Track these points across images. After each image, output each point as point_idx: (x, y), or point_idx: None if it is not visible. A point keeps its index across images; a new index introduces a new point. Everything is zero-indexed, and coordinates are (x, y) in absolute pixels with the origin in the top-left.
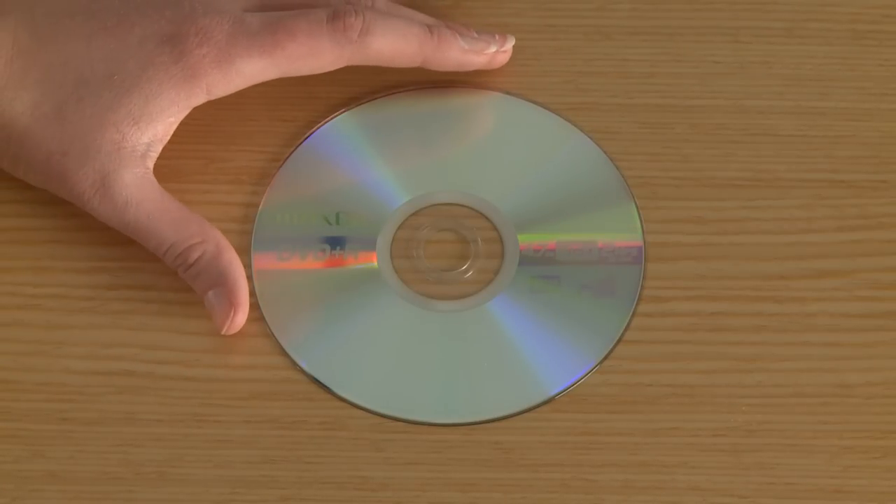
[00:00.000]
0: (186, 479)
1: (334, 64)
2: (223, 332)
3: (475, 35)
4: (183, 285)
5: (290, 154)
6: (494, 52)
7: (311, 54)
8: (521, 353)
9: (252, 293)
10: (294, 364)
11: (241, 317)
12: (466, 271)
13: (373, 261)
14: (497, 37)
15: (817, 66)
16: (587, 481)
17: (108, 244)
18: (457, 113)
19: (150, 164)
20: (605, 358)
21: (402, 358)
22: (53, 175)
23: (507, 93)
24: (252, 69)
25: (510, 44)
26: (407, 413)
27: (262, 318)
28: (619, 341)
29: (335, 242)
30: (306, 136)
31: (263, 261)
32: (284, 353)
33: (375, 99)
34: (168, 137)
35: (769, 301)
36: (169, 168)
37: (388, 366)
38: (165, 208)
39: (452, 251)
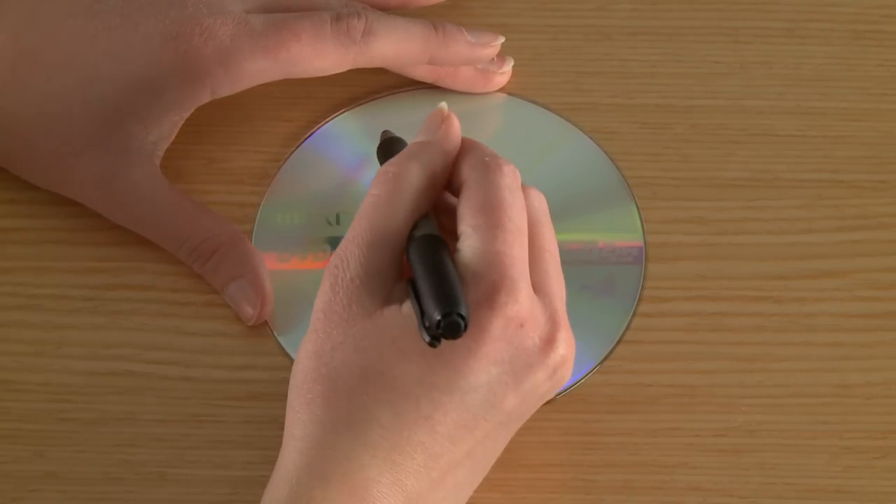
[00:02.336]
0: (186, 479)
1: (339, 66)
2: (250, 324)
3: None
4: (183, 285)
5: (290, 154)
6: (499, 73)
7: (315, 55)
8: None
9: None
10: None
11: (268, 306)
12: None
13: None
14: (496, 58)
15: (817, 66)
16: (587, 481)
17: (108, 244)
18: (457, 113)
19: (157, 161)
20: (605, 358)
21: None
22: (62, 176)
23: (508, 93)
24: (256, 69)
25: (509, 66)
26: None
27: None
28: (619, 341)
29: (336, 243)
30: (306, 136)
31: (264, 261)
32: (284, 353)
33: (375, 99)
34: (173, 136)
35: (769, 301)
36: (169, 168)
37: None
38: (177, 204)
39: None
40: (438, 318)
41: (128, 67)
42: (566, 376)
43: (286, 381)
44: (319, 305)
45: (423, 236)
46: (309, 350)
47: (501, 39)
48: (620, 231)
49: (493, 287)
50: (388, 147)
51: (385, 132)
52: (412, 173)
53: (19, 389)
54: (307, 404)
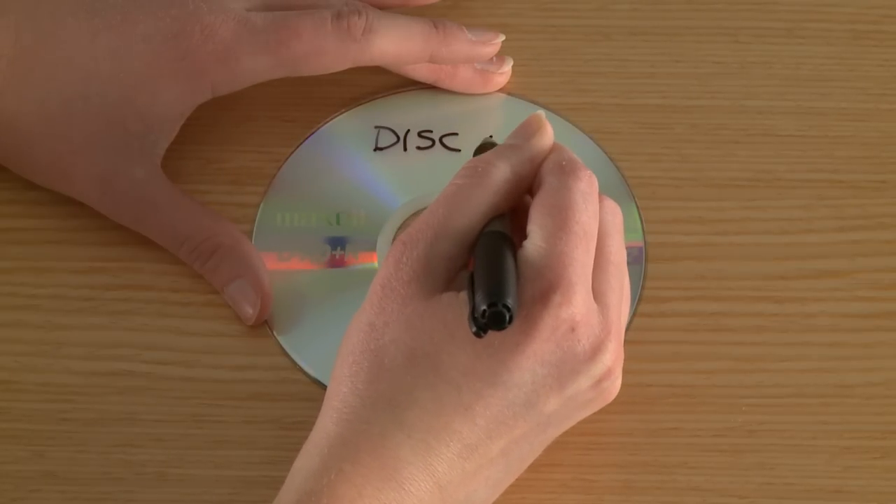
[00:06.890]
0: (186, 479)
1: (339, 64)
2: (250, 323)
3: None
4: (183, 285)
5: (291, 154)
6: (498, 73)
7: (316, 53)
8: None
9: None
10: (294, 364)
11: (268, 306)
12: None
13: (373, 261)
14: (495, 58)
15: (817, 66)
16: (587, 481)
17: (108, 244)
18: (457, 114)
19: (158, 161)
20: None
21: None
22: (62, 175)
23: (508, 93)
24: (257, 67)
25: (508, 66)
26: None
27: None
28: None
29: (336, 243)
30: (306, 136)
31: (264, 261)
32: (284, 353)
33: (375, 99)
34: (174, 134)
35: (769, 301)
36: (169, 168)
37: None
38: (177, 203)
39: None
40: (484, 307)
41: (128, 65)
42: (611, 391)
43: (286, 382)
44: (379, 279)
45: (490, 232)
46: (362, 321)
47: (502, 38)
48: None
49: (548, 286)
50: (485, 151)
51: (488, 138)
52: (497, 170)
53: (19, 389)
54: (351, 377)
